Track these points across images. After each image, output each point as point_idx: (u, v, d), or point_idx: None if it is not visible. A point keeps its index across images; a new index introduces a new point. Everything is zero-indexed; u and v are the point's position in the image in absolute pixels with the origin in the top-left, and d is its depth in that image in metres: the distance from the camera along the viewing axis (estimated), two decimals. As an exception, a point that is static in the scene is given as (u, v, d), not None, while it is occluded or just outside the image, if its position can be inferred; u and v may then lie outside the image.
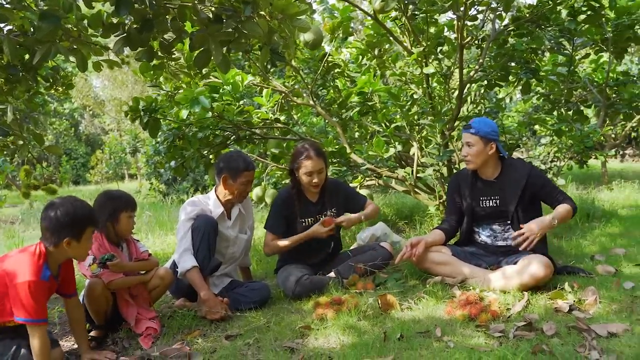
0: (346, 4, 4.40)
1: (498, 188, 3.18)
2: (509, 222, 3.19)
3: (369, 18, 4.44)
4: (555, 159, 5.01)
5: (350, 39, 5.12)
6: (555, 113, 4.94)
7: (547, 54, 5.06)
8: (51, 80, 3.76)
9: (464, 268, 3.13)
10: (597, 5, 4.11)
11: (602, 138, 4.74)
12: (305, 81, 4.92)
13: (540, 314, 2.53)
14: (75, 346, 2.70)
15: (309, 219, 3.41)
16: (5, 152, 3.13)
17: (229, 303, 2.97)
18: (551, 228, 2.96)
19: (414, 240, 3.19)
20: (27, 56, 3.02)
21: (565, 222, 3.08)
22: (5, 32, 2.60)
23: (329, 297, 2.93)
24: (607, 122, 5.56)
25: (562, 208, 3.03)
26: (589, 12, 4.16)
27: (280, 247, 3.35)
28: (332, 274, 3.31)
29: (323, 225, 3.28)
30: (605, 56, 4.85)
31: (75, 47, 2.72)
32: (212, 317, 2.86)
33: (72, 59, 2.70)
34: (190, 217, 3.08)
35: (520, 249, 2.91)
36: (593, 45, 4.67)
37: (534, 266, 2.84)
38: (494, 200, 3.21)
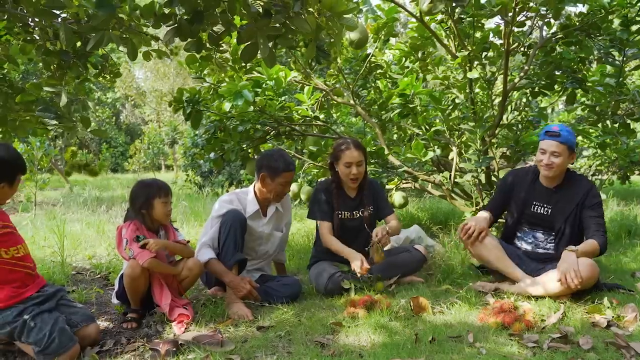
0: (392, 4, 4.39)
1: (554, 198, 3.14)
2: (553, 233, 3.14)
3: (414, 20, 4.42)
4: (597, 173, 4.88)
5: (393, 40, 5.10)
6: (600, 125, 4.81)
7: (595, 64, 4.93)
8: (100, 68, 3.87)
9: (517, 272, 3.07)
10: (653, 15, 3.99)
11: (648, 153, 4.59)
12: (347, 81, 4.92)
13: (577, 327, 2.47)
14: (111, 325, 2.78)
15: (346, 213, 3.41)
16: (54, 134, 3.22)
17: (253, 283, 2.98)
18: None
19: (474, 225, 3.17)
20: (79, 43, 3.11)
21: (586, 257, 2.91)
22: (61, 19, 2.69)
23: (361, 295, 2.93)
24: (655, 137, 5.39)
25: (591, 246, 2.92)
26: (643, 23, 4.05)
27: (333, 248, 3.30)
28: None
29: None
30: (657, 69, 4.70)
31: (126, 36, 2.79)
32: (240, 294, 2.90)
33: (122, 48, 2.77)
34: (220, 214, 3.08)
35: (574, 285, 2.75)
36: (645, 57, 4.53)
37: (580, 267, 2.76)
38: (546, 209, 3.16)
